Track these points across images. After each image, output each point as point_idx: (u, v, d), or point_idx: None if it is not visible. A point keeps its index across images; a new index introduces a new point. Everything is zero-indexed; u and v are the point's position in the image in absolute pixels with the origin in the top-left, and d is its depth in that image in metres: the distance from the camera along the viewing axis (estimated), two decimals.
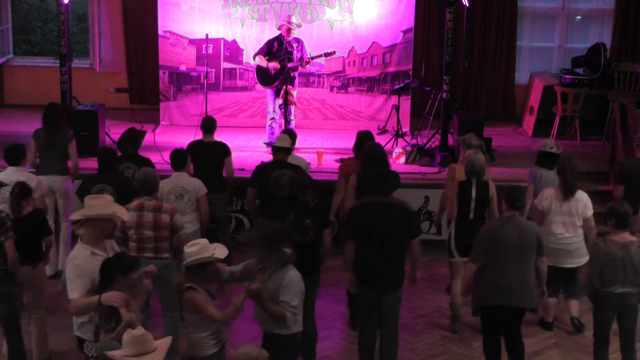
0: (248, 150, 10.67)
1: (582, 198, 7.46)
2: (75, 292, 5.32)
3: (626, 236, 6.40)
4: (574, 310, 7.79)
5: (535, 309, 6.78)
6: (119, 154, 8.02)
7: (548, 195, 7.47)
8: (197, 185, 7.60)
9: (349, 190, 7.44)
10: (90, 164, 8.52)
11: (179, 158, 7.68)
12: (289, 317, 5.52)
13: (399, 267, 6.60)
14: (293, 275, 5.55)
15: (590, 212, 7.46)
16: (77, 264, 5.37)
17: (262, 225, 5.67)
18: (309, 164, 8.58)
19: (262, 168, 7.89)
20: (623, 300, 6.42)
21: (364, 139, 7.95)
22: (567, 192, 7.39)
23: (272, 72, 10.52)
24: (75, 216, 5.56)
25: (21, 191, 6.66)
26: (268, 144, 8.27)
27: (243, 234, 5.73)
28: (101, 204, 5.51)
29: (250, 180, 7.89)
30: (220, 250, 5.48)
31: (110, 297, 5.07)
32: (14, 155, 7.52)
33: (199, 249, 5.38)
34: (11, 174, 7.32)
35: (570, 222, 7.43)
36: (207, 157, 8.24)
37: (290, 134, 8.29)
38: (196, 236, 7.44)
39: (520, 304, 6.51)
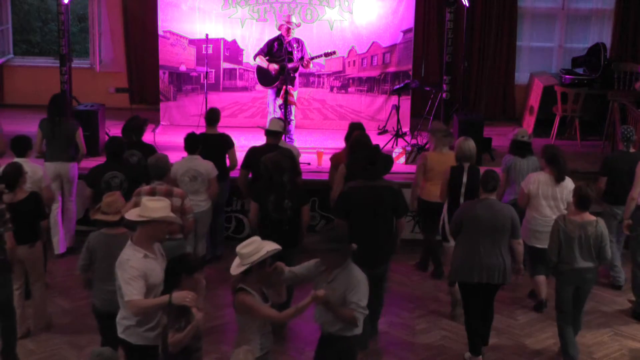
0: None
1: (568, 185, 7.78)
2: (135, 294, 5.20)
3: (585, 216, 6.82)
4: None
5: (503, 284, 7.01)
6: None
7: (535, 180, 7.79)
8: (208, 168, 8.12)
9: (338, 179, 7.70)
10: (91, 164, 8.51)
11: (192, 142, 8.14)
12: (360, 318, 5.45)
13: (387, 244, 6.98)
14: (359, 275, 5.50)
15: None
16: (133, 266, 5.26)
17: (327, 228, 5.92)
18: (304, 158, 8.73)
19: (254, 150, 8.28)
20: (581, 275, 6.86)
21: (354, 129, 8.26)
22: (559, 179, 7.73)
23: (273, 72, 10.54)
24: (130, 216, 5.46)
25: (18, 171, 6.90)
26: (261, 127, 8.53)
27: (312, 241, 5.63)
28: (158, 207, 5.41)
29: (243, 162, 8.40)
30: (272, 245, 5.31)
31: (182, 296, 5.01)
32: (20, 146, 7.76)
33: (256, 247, 5.21)
34: None
35: (555, 205, 7.77)
36: (210, 148, 8.45)
37: (283, 121, 8.70)
38: (209, 214, 8.17)
39: (489, 281, 6.82)
